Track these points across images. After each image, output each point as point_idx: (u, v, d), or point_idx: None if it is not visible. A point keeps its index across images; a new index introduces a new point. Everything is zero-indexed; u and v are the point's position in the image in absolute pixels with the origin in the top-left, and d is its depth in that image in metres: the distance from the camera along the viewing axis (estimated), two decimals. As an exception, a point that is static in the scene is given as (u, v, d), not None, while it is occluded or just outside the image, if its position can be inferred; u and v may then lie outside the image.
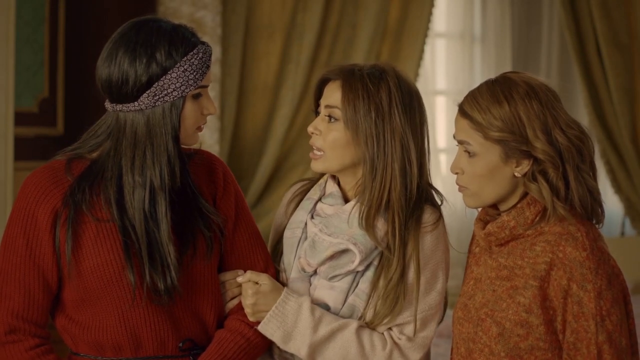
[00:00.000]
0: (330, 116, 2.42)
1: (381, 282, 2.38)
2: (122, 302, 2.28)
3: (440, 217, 2.43)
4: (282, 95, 5.72)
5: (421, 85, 6.10)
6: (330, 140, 2.42)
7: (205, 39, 5.39)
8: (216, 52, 5.46)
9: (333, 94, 2.43)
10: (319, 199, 2.50)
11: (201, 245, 2.34)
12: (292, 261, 2.45)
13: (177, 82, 2.25)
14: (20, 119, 4.72)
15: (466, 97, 2.23)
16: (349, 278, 2.41)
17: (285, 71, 5.71)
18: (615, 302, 2.11)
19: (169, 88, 2.25)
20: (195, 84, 2.27)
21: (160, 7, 5.37)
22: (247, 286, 2.36)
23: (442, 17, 6.36)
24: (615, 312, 2.10)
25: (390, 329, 2.39)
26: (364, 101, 2.38)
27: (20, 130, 4.68)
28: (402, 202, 2.38)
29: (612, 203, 6.45)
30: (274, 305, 2.35)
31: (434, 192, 2.45)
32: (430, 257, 2.40)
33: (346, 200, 2.47)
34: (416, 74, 5.94)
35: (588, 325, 2.10)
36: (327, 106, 2.43)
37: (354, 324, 2.38)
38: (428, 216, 2.40)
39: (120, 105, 2.27)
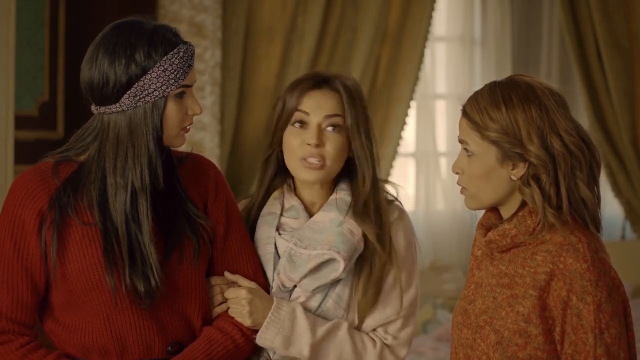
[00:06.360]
0: (334, 125, 2.47)
1: (361, 281, 2.43)
2: (107, 306, 2.28)
3: (403, 210, 2.52)
4: (282, 98, 5.70)
5: (421, 89, 6.10)
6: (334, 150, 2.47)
7: (205, 42, 5.48)
8: (216, 56, 5.46)
9: (330, 103, 2.47)
10: (281, 213, 2.50)
11: (188, 248, 2.33)
12: (272, 277, 2.47)
13: (158, 81, 2.24)
14: (21, 122, 4.70)
15: (469, 98, 2.24)
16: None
17: (286, 74, 5.69)
18: (615, 314, 2.10)
19: (150, 88, 2.24)
20: (176, 84, 2.26)
21: (160, 10, 5.36)
22: (242, 295, 2.39)
23: (442, 21, 6.36)
24: (614, 325, 2.10)
25: (374, 330, 2.46)
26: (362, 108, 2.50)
27: (20, 134, 4.67)
28: (384, 197, 2.49)
29: (612, 207, 6.44)
30: (269, 313, 2.39)
31: (388, 185, 2.53)
32: (406, 255, 2.48)
33: (309, 212, 2.50)
34: (416, 78, 5.92)
35: (586, 337, 2.09)
36: (328, 116, 2.46)
37: (344, 324, 2.44)
38: (392, 211, 2.49)
39: (103, 108, 2.28)
